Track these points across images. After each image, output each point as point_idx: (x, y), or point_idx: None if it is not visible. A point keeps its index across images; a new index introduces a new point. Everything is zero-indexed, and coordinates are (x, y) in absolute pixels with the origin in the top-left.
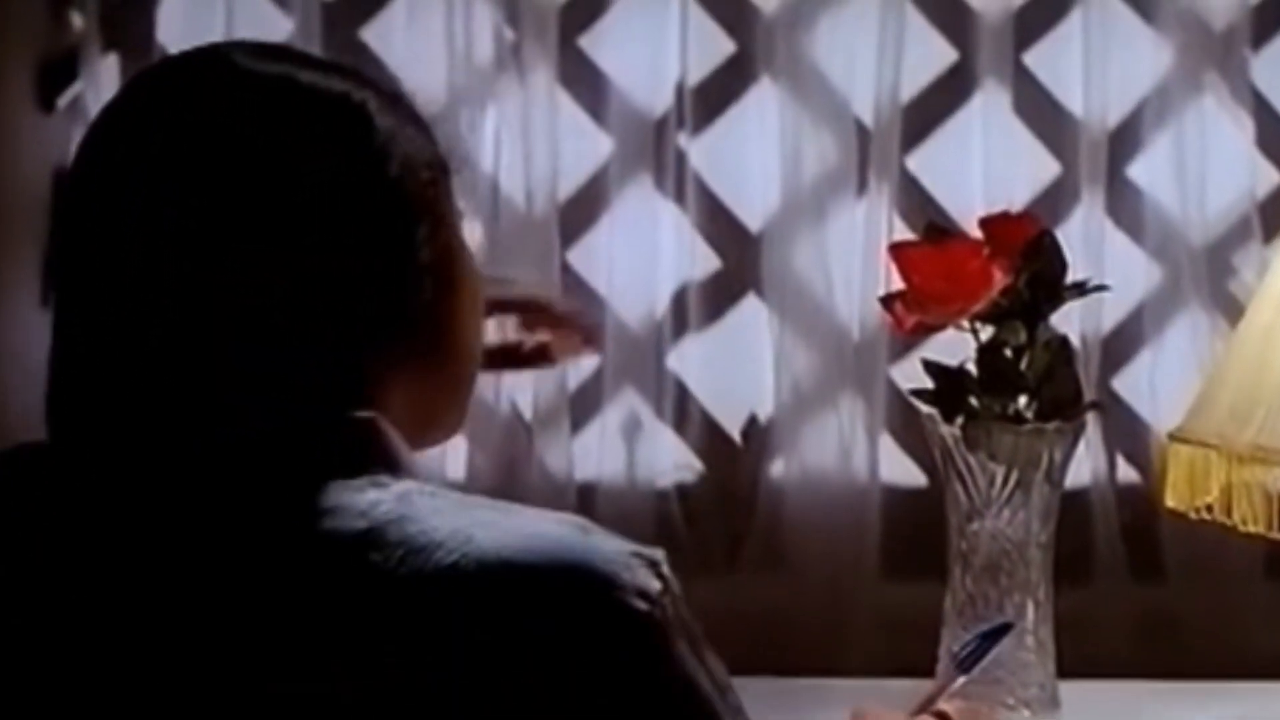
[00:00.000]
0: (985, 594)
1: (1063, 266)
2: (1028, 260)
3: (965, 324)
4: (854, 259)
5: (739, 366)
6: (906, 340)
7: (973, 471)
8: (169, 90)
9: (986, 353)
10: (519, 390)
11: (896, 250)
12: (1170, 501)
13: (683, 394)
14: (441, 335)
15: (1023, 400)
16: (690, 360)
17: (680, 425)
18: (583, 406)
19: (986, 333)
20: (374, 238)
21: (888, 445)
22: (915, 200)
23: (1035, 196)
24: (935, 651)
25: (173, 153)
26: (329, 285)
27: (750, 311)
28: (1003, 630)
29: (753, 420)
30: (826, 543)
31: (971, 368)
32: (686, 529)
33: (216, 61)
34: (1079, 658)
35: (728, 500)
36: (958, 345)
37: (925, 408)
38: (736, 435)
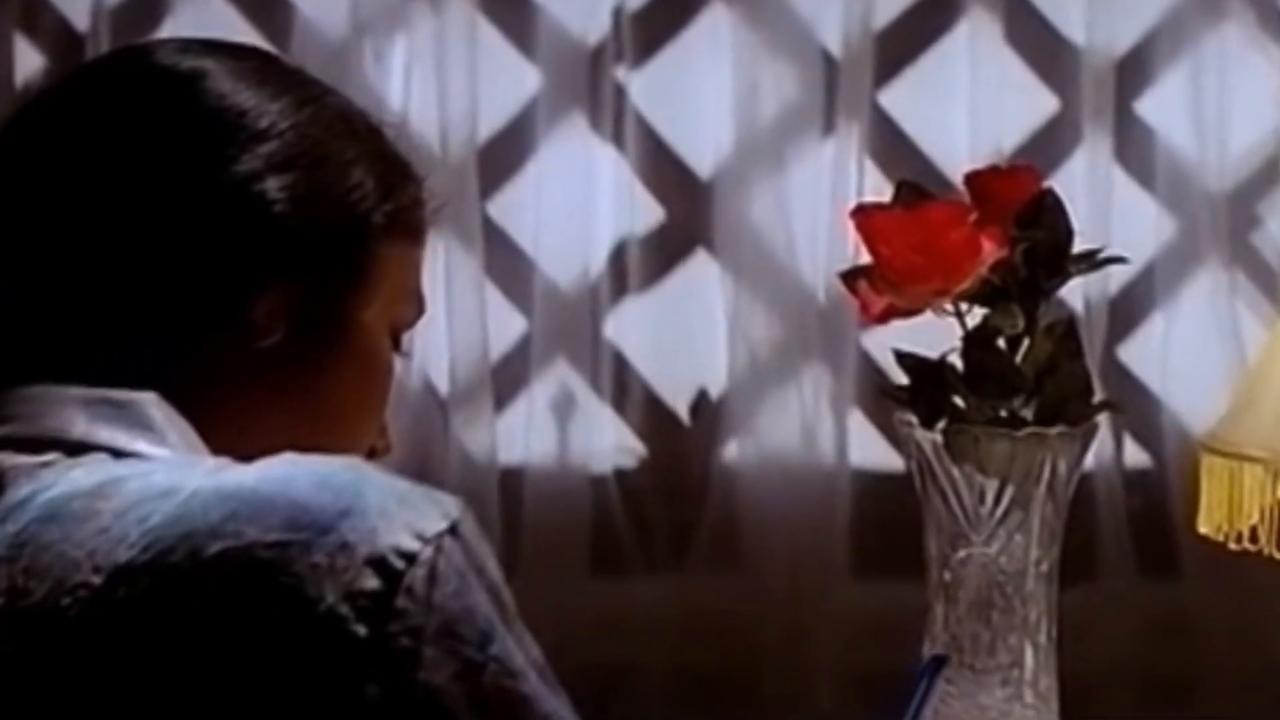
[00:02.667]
0: (973, 636)
1: (1068, 233)
2: (1025, 226)
3: (948, 307)
4: (819, 211)
5: (687, 334)
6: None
7: (958, 487)
8: (55, 83)
9: (975, 342)
10: (432, 362)
11: (861, 216)
12: (1204, 526)
13: (622, 366)
14: (308, 391)
15: (1019, 400)
16: (630, 327)
17: (619, 402)
18: (507, 380)
19: (974, 317)
20: (194, 248)
21: (858, 423)
22: (890, 144)
23: (1030, 138)
24: (909, 660)
25: (23, 138)
26: (147, 283)
27: (700, 271)
28: (938, 664)
29: (703, 396)
30: (788, 536)
31: (956, 360)
32: (627, 520)
33: (127, 53)
34: (1082, 663)
35: (674, 488)
36: (938, 332)
37: (900, 410)
38: (684, 413)
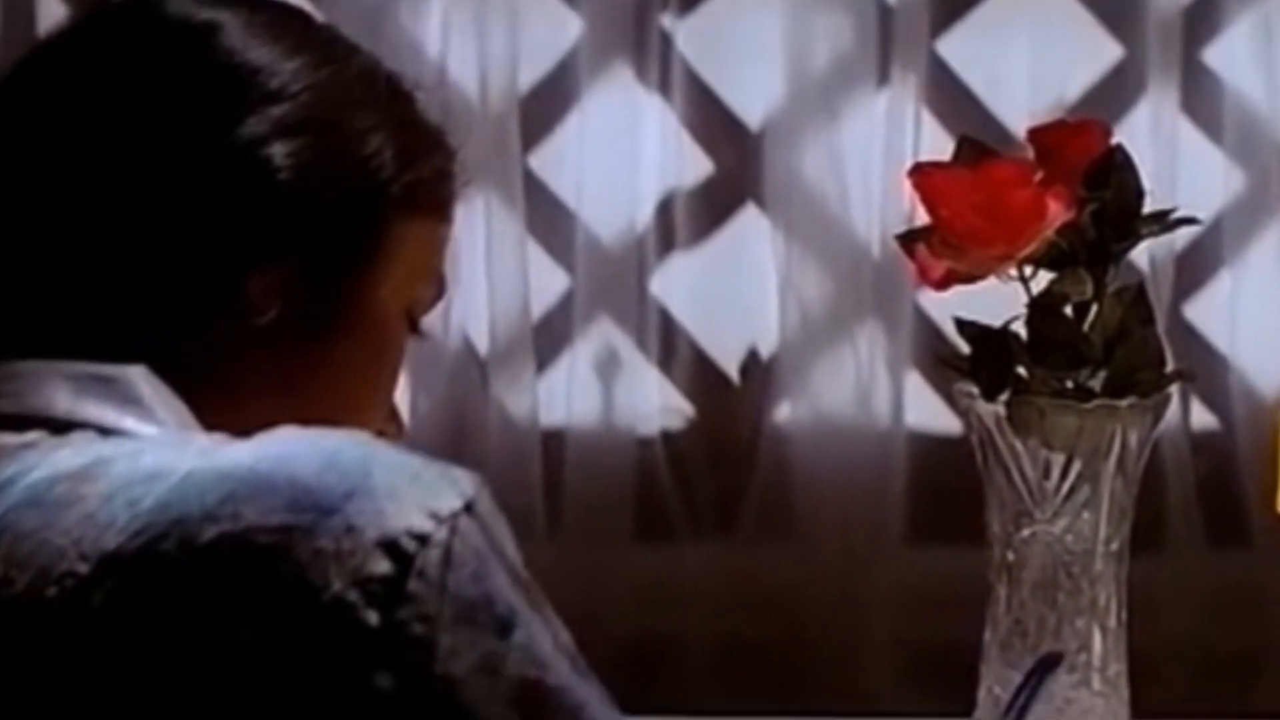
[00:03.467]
0: (1039, 619)
1: (1138, 193)
2: (1093, 186)
3: (1011, 272)
4: (873, 164)
5: (736, 291)
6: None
7: (1022, 462)
8: (61, 30)
9: (1040, 310)
10: (471, 320)
11: (920, 175)
12: None
13: (668, 324)
14: (306, 373)
15: (1087, 371)
16: (677, 284)
17: (666, 362)
18: (549, 339)
19: (1039, 282)
20: (190, 215)
21: (914, 384)
22: (947, 94)
23: (1093, 88)
24: (972, 632)
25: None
26: (144, 243)
27: (749, 226)
28: (1050, 663)
29: (752, 356)
30: (841, 502)
31: (1020, 328)
32: (673, 485)
33: (140, 1)
34: (1147, 638)
35: (723, 451)
36: (999, 296)
37: (960, 381)
38: (733, 373)
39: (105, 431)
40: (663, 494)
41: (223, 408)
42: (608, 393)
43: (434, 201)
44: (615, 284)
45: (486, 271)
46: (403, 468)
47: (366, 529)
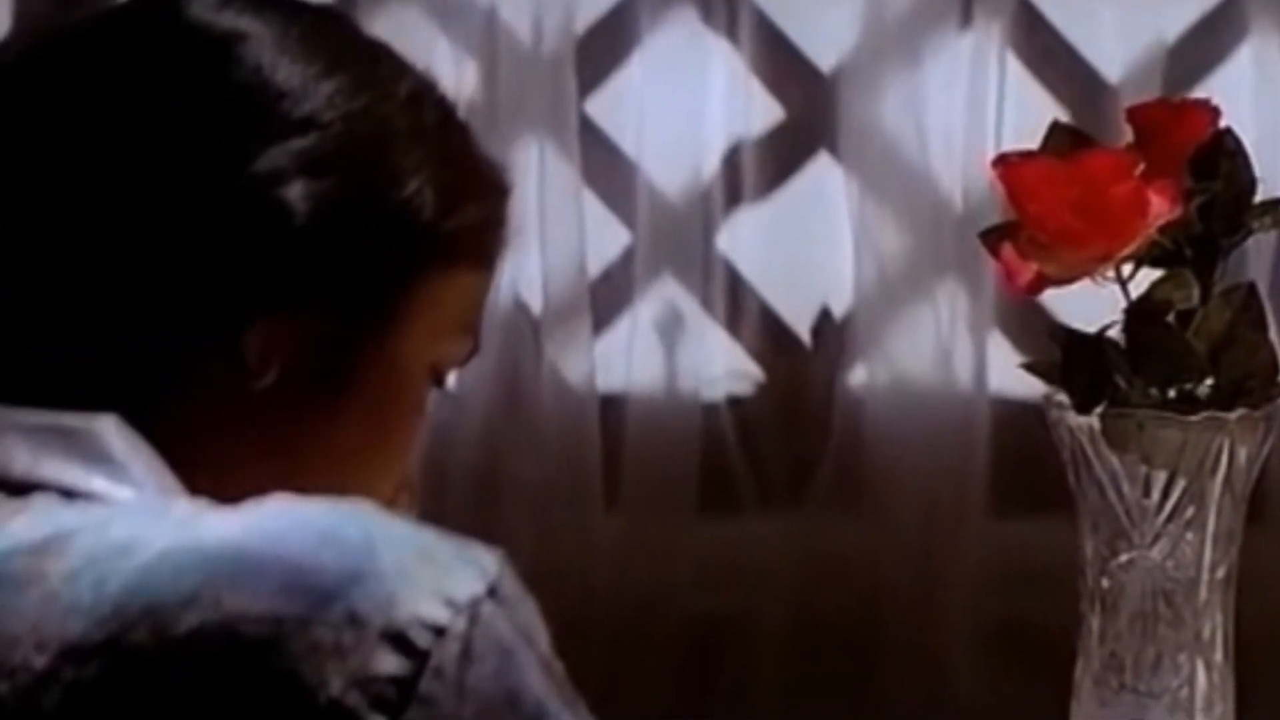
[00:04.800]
0: (1136, 653)
1: (1250, 182)
2: (1200, 174)
3: (1109, 274)
4: (955, 110)
5: (808, 247)
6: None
7: (1118, 480)
8: (69, 26)
9: (1140, 314)
10: (524, 278)
11: (1005, 166)
12: None
13: (735, 282)
14: (306, 443)
15: (1192, 380)
16: (745, 239)
17: (733, 322)
18: (607, 298)
19: (1139, 283)
20: (184, 256)
21: (998, 346)
22: (1034, 36)
23: (1190, 28)
24: (1059, 610)
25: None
26: (129, 273)
27: (822, 176)
28: None
29: (825, 316)
30: (919, 471)
31: (1117, 334)
32: (741, 453)
33: (160, 2)
34: (1254, 619)
35: (794, 417)
36: (1097, 300)
37: (1050, 389)
38: (805, 335)
39: (69, 494)
40: (729, 463)
41: (209, 469)
42: (670, 355)
43: (477, 251)
44: (678, 239)
45: (540, 226)
46: (413, 545)
47: (371, 619)
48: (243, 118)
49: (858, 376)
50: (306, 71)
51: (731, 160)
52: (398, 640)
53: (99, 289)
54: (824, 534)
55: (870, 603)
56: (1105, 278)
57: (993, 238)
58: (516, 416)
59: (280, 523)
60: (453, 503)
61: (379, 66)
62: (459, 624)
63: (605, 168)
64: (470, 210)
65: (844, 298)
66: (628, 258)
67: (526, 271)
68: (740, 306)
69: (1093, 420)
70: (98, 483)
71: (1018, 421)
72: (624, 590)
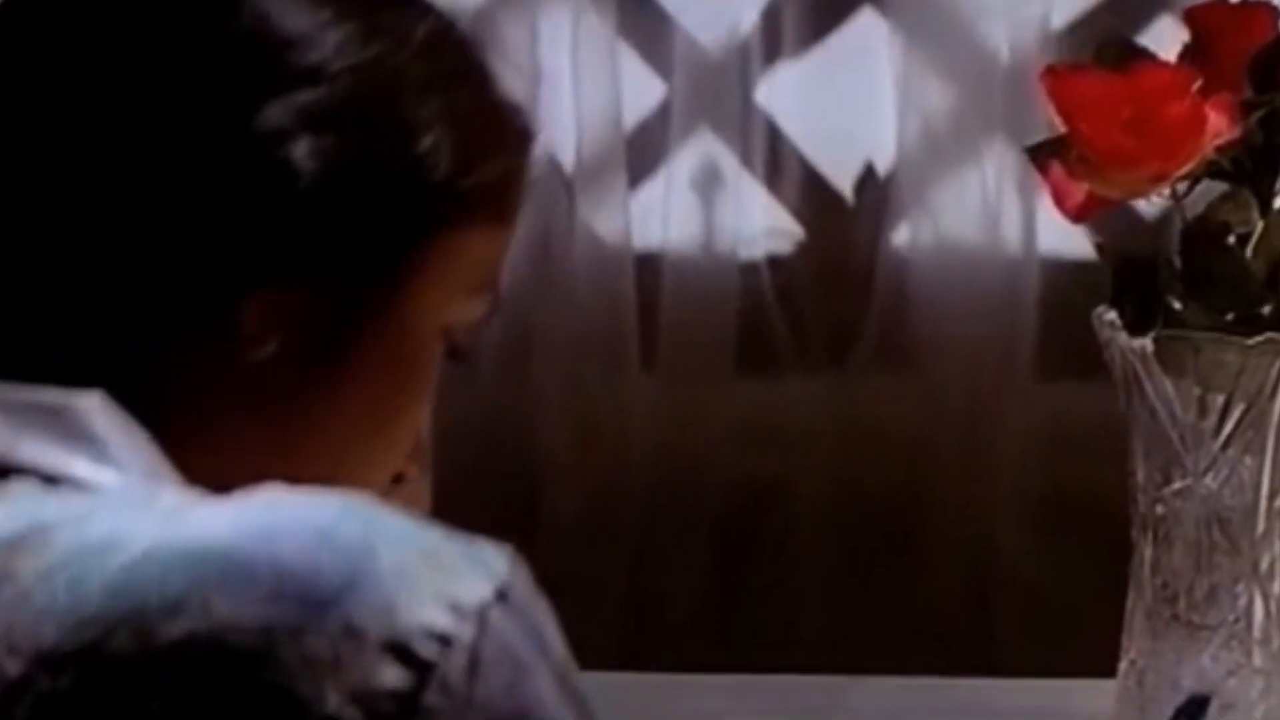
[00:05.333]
0: (1189, 585)
1: None
2: (1260, 84)
3: (1164, 192)
4: None
5: (850, 101)
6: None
7: (1172, 405)
8: None
9: (1196, 235)
10: (558, 134)
11: (1053, 80)
12: None
13: (775, 137)
14: (308, 418)
15: (1251, 303)
16: (785, 93)
17: (772, 179)
18: (643, 154)
19: (1195, 203)
20: (179, 217)
21: (1048, 205)
22: None
23: None
24: (1110, 477)
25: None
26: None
27: (865, 28)
28: (1197, 707)
29: (868, 173)
30: (965, 332)
31: (1173, 255)
32: (780, 313)
33: None
34: None
35: (835, 277)
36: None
37: (1102, 310)
38: (847, 192)
39: (49, 480)
40: (769, 324)
41: (203, 448)
42: (708, 213)
43: (495, 208)
44: (716, 93)
45: (573, 79)
46: (415, 545)
47: (371, 628)
48: (244, 69)
49: (902, 236)
50: (315, 18)
51: (771, 11)
52: (400, 651)
53: (85, 255)
54: (866, 397)
55: (913, 468)
56: (1161, 195)
57: (1040, 154)
58: (549, 276)
59: (272, 520)
60: (484, 367)
61: (393, 10)
62: (466, 632)
63: (640, 19)
64: (489, 165)
65: (887, 154)
66: (664, 112)
67: (560, 127)
68: (780, 163)
69: (1146, 344)
70: (80, 466)
71: (1067, 282)
72: (660, 454)
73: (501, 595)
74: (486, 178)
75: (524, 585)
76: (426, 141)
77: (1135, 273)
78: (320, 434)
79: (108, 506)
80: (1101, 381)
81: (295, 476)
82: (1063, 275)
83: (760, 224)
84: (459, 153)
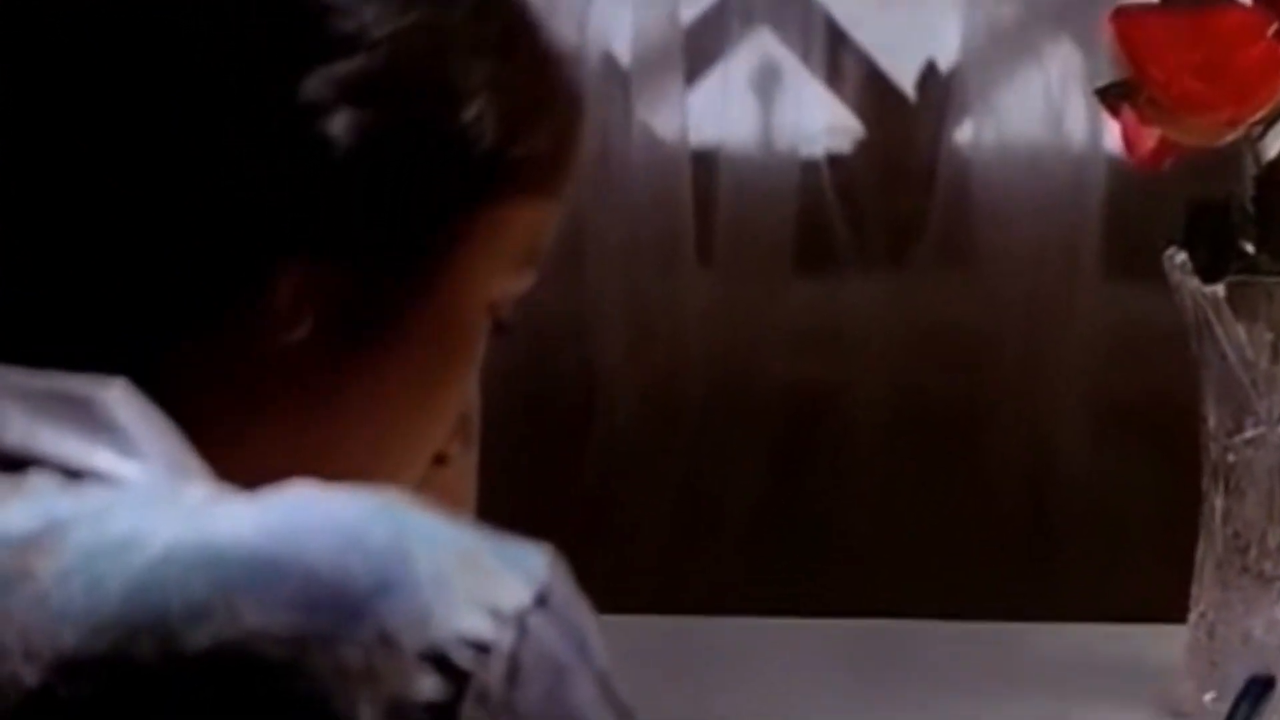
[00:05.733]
0: (1261, 535)
1: None
2: None
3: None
4: None
5: None
6: None
7: (1244, 351)
8: None
9: (1269, 179)
10: (613, 28)
11: (1123, 22)
12: None
13: (835, 33)
14: (344, 403)
15: None
16: None
17: (832, 75)
18: (701, 49)
19: (1270, 146)
20: (208, 194)
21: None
22: None
23: None
24: (1178, 383)
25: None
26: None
27: None
28: (1261, 687)
29: (931, 69)
30: (1029, 232)
31: (1246, 200)
32: (840, 212)
33: None
34: None
35: (896, 175)
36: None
37: (1173, 253)
38: (909, 89)
39: (69, 473)
40: (828, 222)
41: (230, 436)
42: (767, 109)
43: (544, 179)
44: None
45: None
46: (450, 547)
47: (406, 636)
48: (279, 38)
49: (964, 133)
50: None
51: None
52: (436, 660)
53: (108, 231)
54: (927, 298)
55: (975, 372)
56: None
57: (1110, 97)
58: (604, 174)
59: (299, 520)
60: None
61: None
62: (505, 639)
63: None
64: (538, 135)
65: (950, 50)
66: (722, 7)
67: (615, 21)
68: (840, 59)
69: (1219, 290)
70: (101, 458)
71: (1133, 180)
72: (716, 356)
73: (541, 599)
74: (535, 148)
75: (564, 587)
76: (472, 110)
77: (1208, 217)
78: (358, 419)
79: (128, 502)
80: (1168, 284)
81: (330, 465)
82: (1129, 172)
83: (820, 121)
84: (506, 121)
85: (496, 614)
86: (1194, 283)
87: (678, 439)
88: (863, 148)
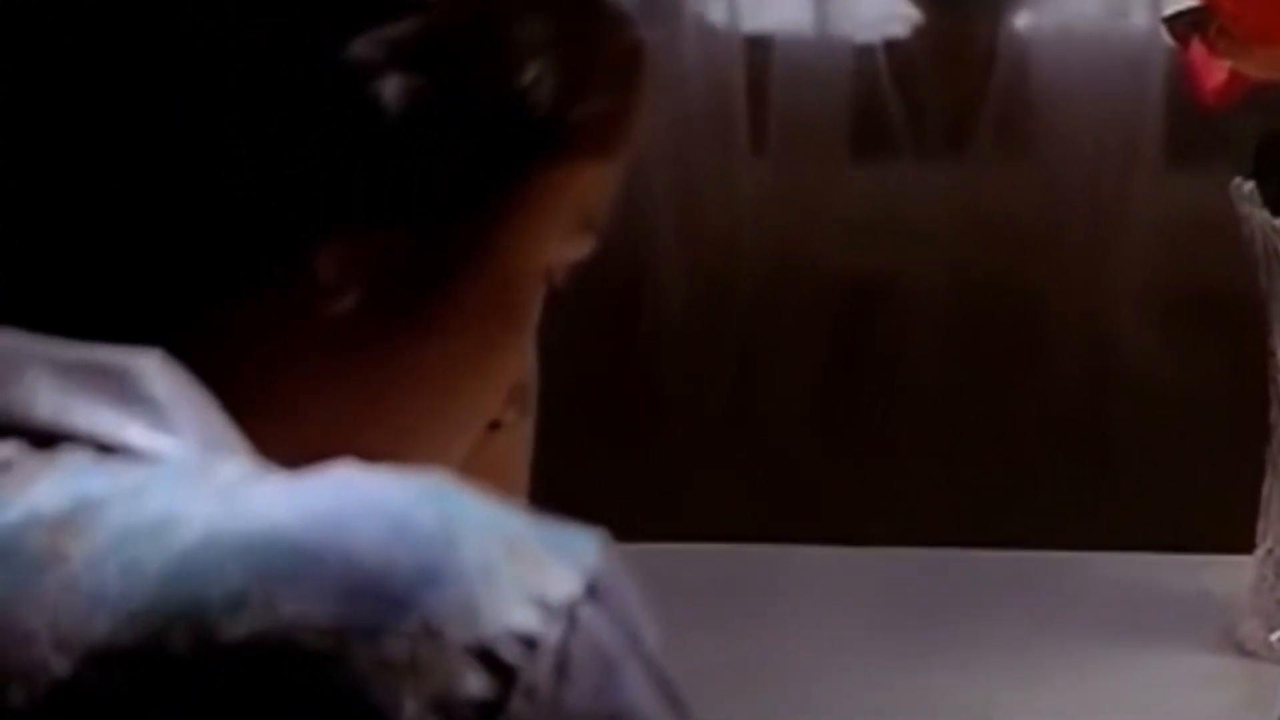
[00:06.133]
0: None
1: None
2: None
3: None
4: None
5: None
6: None
7: None
8: None
9: None
10: None
11: None
12: None
13: None
14: (392, 376)
15: None
16: None
17: None
18: None
19: None
20: (252, 159)
21: None
22: None
23: None
24: (1239, 272)
25: None
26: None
27: None
28: None
29: None
30: (1088, 118)
31: None
32: (896, 98)
33: None
34: None
35: (954, 61)
36: None
37: (1240, 182)
38: None
39: (101, 448)
40: (884, 109)
41: (273, 413)
42: None
43: (604, 141)
44: None
45: None
46: (499, 534)
47: (452, 629)
48: None
49: (1023, 18)
50: None
51: None
52: (484, 655)
53: (145, 195)
54: (984, 186)
55: (1033, 260)
56: None
57: (1179, 26)
58: (656, 59)
59: (341, 505)
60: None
61: None
62: (554, 633)
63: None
64: (598, 97)
65: None
66: None
67: None
68: None
69: None
70: (134, 432)
71: None
72: (769, 245)
73: (591, 589)
74: (595, 110)
75: (615, 576)
76: (530, 73)
77: (1278, 148)
78: (409, 389)
79: (162, 481)
80: (1231, 171)
81: (380, 436)
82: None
83: (876, 7)
84: (566, 83)
85: (545, 606)
86: (1263, 214)
87: (730, 331)
88: (920, 33)
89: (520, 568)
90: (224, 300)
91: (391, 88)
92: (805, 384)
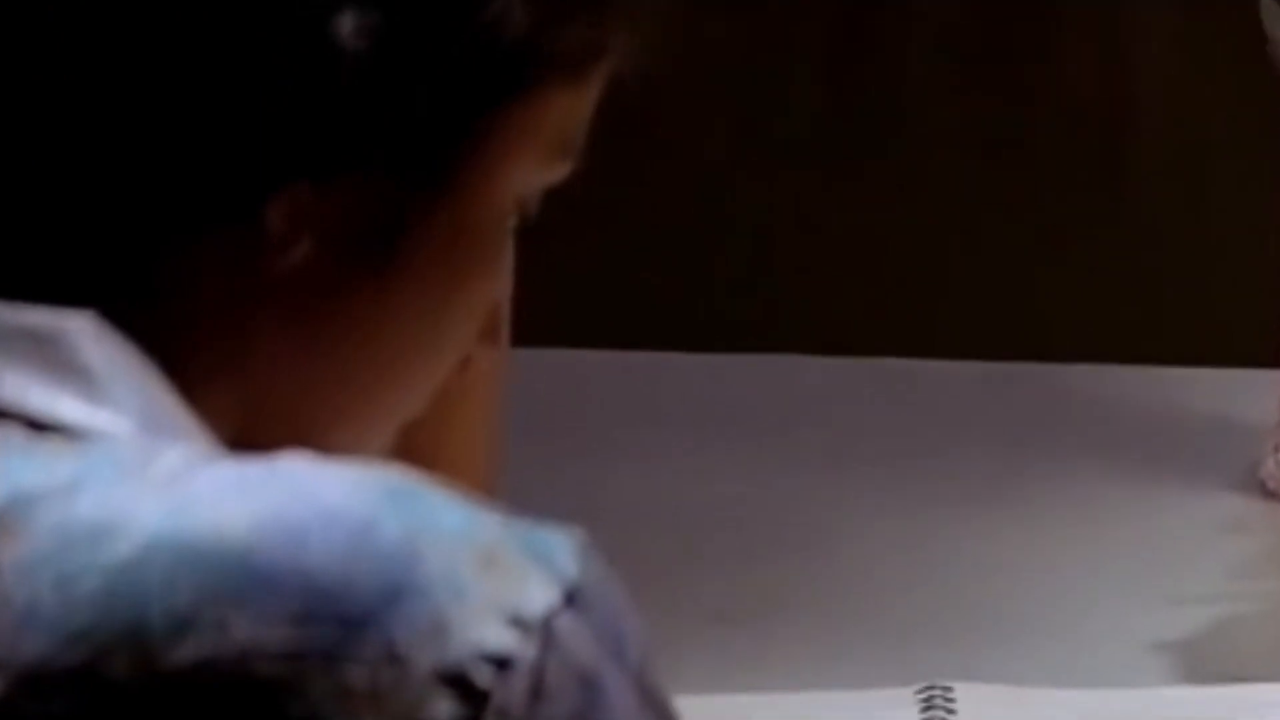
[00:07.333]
0: None
1: None
2: None
3: None
4: None
5: None
6: None
7: None
8: None
9: None
10: None
11: None
12: None
13: None
14: (349, 333)
15: None
16: None
17: None
18: None
19: None
20: (200, 102)
21: None
22: None
23: None
24: None
25: None
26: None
27: None
28: None
29: None
30: None
31: None
32: None
33: None
34: None
35: None
36: None
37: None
38: None
39: (34, 426)
40: None
41: (215, 380)
42: None
43: (578, 68)
44: None
45: None
46: (468, 543)
47: (417, 653)
48: None
49: None
50: None
51: None
52: (452, 680)
53: (81, 138)
54: None
55: None
56: None
57: None
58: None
59: (298, 513)
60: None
61: None
62: (529, 651)
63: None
64: (573, 19)
65: None
66: None
67: None
68: None
69: None
70: (67, 406)
71: None
72: None
73: (570, 597)
74: (569, 34)
75: (596, 579)
76: (497, 2)
77: None
78: (372, 343)
79: (97, 474)
80: None
81: (342, 392)
82: None
83: None
84: (537, 8)
85: (519, 621)
86: None
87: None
88: None
89: (492, 580)
90: (167, 256)
91: (348, 26)
92: (806, 91)
